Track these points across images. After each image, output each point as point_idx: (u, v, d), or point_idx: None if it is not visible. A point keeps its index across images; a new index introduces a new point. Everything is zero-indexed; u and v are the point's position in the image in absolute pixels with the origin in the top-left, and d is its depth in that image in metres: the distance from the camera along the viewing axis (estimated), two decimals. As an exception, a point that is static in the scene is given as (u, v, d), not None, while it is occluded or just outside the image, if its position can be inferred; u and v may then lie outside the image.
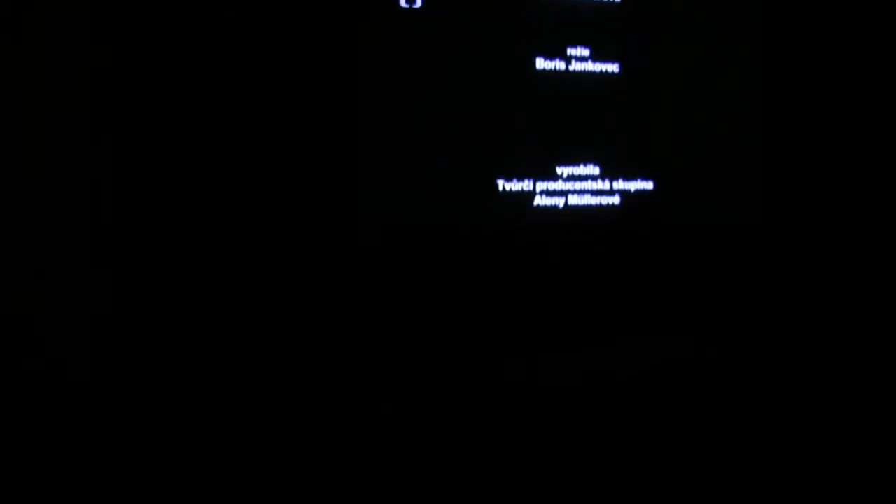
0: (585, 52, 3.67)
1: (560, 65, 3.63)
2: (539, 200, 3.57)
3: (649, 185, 3.76)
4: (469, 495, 2.51)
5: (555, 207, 3.59)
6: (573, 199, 3.63)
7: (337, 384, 3.06)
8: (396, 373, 3.16)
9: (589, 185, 3.66)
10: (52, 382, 2.79)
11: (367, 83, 3.26)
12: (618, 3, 3.69)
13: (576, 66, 3.66)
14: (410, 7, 3.37)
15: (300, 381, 3.04)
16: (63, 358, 2.84)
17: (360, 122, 3.24)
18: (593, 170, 3.67)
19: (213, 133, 3.09)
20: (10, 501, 2.39)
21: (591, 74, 3.68)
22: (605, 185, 3.69)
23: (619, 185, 3.72)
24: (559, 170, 3.62)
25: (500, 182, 3.51)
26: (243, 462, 2.63)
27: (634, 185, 3.74)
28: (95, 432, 2.72)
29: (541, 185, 3.58)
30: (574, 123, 3.65)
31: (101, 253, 2.92)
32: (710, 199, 3.86)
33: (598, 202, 3.67)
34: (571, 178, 3.63)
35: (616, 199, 3.71)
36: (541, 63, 3.59)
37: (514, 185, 3.52)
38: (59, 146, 2.88)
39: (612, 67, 3.71)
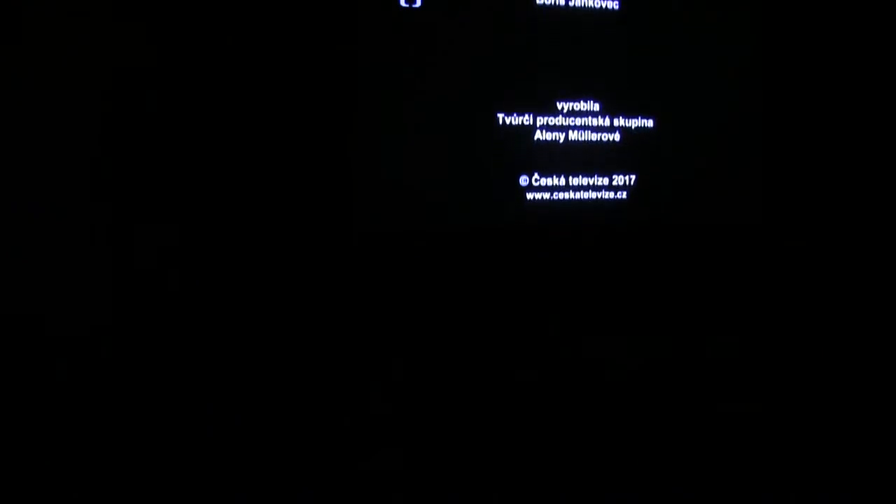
0: None
1: (560, 0, 3.56)
2: (539, 135, 3.54)
3: (650, 123, 3.73)
4: (463, 493, 2.51)
5: (555, 143, 3.56)
6: (573, 135, 3.59)
7: (331, 382, 3.06)
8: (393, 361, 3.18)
9: (589, 121, 3.62)
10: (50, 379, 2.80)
11: (367, 81, 3.28)
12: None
13: (576, 2, 3.57)
14: (410, 7, 3.37)
15: (296, 381, 3.04)
16: (60, 357, 2.85)
17: (359, 119, 3.25)
18: (593, 106, 3.63)
19: (211, 133, 3.07)
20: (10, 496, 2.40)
21: (592, 10, 3.60)
22: (606, 122, 3.65)
23: (620, 121, 3.67)
24: (559, 105, 3.57)
25: (500, 115, 3.47)
26: (235, 458, 2.63)
27: (635, 123, 3.69)
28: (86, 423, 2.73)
29: (541, 120, 3.53)
30: (574, 59, 3.58)
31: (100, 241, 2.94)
32: (710, 197, 3.86)
33: (599, 138, 3.64)
34: (571, 113, 3.59)
35: (616, 136, 3.67)
36: None
37: (514, 119, 3.49)
38: (59, 144, 2.88)
39: (612, 4, 3.64)
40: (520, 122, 3.50)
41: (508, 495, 2.53)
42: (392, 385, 3.11)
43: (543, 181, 3.55)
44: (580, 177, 3.61)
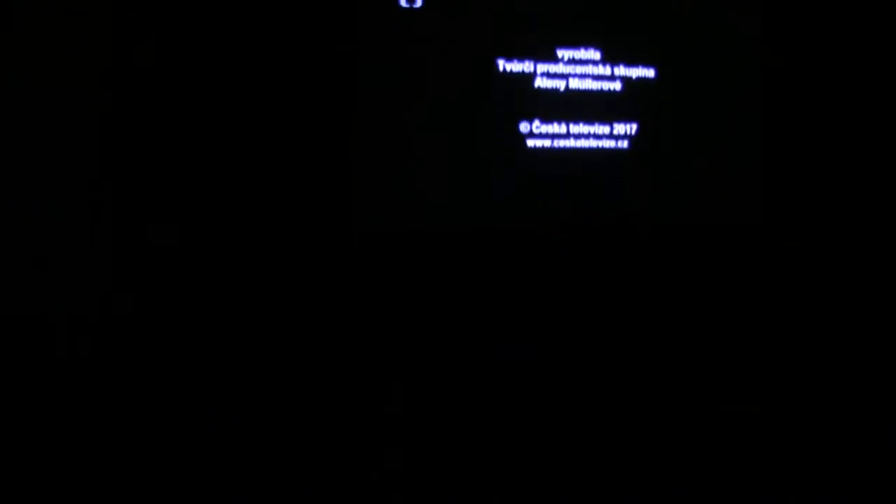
0: None
1: None
2: (540, 82, 3.54)
3: (651, 73, 3.72)
4: (463, 493, 2.51)
5: (555, 90, 3.56)
6: (574, 83, 3.58)
7: (332, 382, 3.07)
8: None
9: (590, 69, 3.62)
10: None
11: (367, 81, 3.29)
12: None
13: None
14: (411, 7, 3.38)
15: (296, 381, 3.04)
16: (60, 357, 2.85)
17: (359, 119, 3.26)
18: (594, 54, 3.63)
19: (211, 133, 3.08)
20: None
21: None
22: (607, 71, 3.65)
23: (621, 70, 3.67)
24: (559, 52, 3.56)
25: (501, 62, 3.47)
26: (235, 458, 2.63)
27: (636, 72, 3.69)
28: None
29: (541, 67, 3.54)
30: (574, 6, 3.58)
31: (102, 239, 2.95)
32: (710, 198, 3.87)
33: (599, 87, 3.64)
34: (572, 61, 3.59)
35: (617, 85, 3.66)
36: None
37: (515, 66, 3.49)
38: (61, 143, 2.89)
39: None
40: (520, 70, 3.49)
41: (508, 495, 2.53)
42: (392, 385, 3.12)
43: (544, 128, 3.55)
44: (581, 124, 3.61)
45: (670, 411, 3.08)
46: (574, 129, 3.61)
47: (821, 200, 3.94)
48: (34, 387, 2.78)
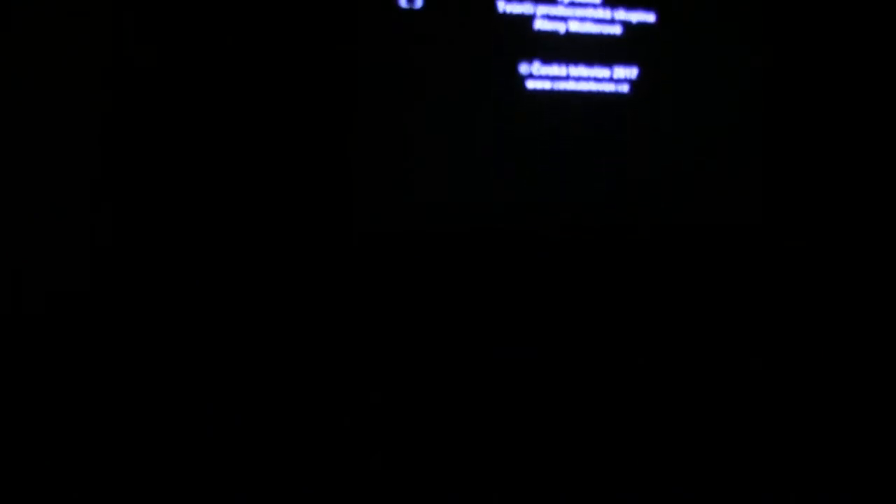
0: None
1: None
2: (539, 24, 3.54)
3: (651, 18, 3.72)
4: (463, 493, 2.51)
5: (555, 33, 3.56)
6: (574, 26, 3.59)
7: (331, 382, 3.07)
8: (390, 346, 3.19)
9: (590, 12, 3.62)
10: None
11: (367, 81, 3.30)
12: None
13: None
14: (410, 7, 3.38)
15: (296, 380, 3.04)
16: (60, 358, 2.85)
17: (359, 119, 3.27)
18: None
19: (211, 133, 3.08)
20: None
21: None
22: (607, 14, 3.66)
23: (621, 14, 3.67)
24: None
25: (501, 3, 3.47)
26: (235, 458, 2.63)
27: (636, 16, 3.69)
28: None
29: (542, 9, 3.54)
30: None
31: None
32: (710, 197, 3.87)
33: (600, 32, 3.64)
34: (573, 4, 3.59)
35: (617, 30, 3.66)
36: None
37: (515, 7, 3.50)
38: (61, 143, 2.89)
39: None
40: (520, 12, 3.50)
41: (508, 495, 2.52)
42: (392, 385, 3.11)
43: (545, 70, 3.55)
44: (580, 66, 3.61)
45: (670, 411, 3.08)
46: (574, 71, 3.61)
47: (821, 200, 3.94)
48: (35, 387, 2.78)
